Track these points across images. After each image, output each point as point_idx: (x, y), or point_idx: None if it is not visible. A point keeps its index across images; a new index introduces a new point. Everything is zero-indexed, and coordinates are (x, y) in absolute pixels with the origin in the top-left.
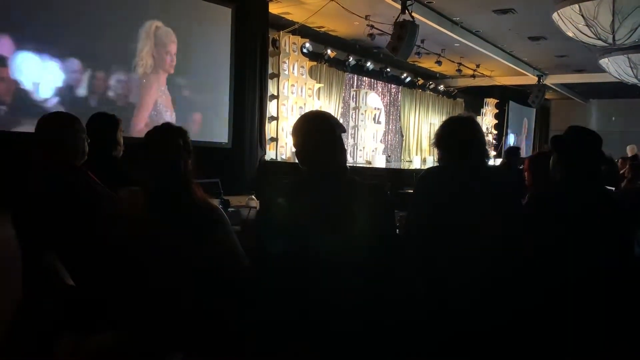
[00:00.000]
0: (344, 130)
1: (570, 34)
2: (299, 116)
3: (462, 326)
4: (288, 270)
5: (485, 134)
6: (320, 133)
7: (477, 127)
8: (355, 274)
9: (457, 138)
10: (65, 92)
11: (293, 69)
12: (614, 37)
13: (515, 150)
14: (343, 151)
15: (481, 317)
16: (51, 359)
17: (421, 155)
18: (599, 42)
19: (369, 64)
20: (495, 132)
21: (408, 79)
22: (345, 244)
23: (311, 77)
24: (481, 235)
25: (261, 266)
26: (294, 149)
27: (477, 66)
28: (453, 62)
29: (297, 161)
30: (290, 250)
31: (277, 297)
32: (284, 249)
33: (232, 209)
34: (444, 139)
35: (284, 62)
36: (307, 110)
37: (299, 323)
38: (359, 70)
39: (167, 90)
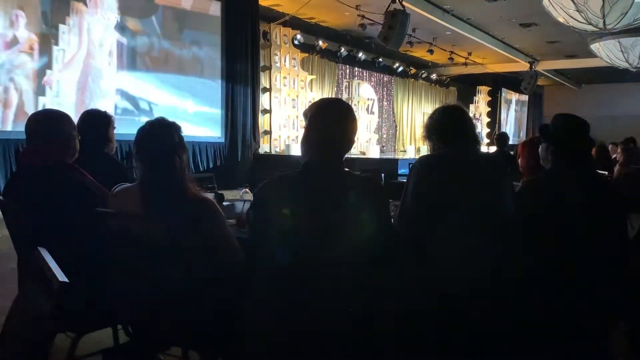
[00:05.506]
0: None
1: (560, 20)
2: (320, 99)
3: (461, 316)
4: (283, 269)
5: (478, 121)
6: (331, 119)
7: (466, 115)
8: (351, 269)
9: (446, 127)
10: None
11: (285, 61)
12: (604, 22)
13: (503, 135)
14: (346, 144)
15: (479, 306)
16: (48, 358)
17: (415, 144)
18: (590, 27)
19: (360, 54)
20: (488, 119)
21: (400, 69)
22: (340, 239)
23: (303, 69)
24: (476, 223)
25: (257, 265)
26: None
27: (469, 54)
28: (445, 50)
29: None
30: (284, 250)
31: (273, 298)
32: (277, 249)
33: (227, 203)
34: (433, 129)
35: (276, 55)
36: (299, 102)
37: (296, 320)
38: (351, 60)
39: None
